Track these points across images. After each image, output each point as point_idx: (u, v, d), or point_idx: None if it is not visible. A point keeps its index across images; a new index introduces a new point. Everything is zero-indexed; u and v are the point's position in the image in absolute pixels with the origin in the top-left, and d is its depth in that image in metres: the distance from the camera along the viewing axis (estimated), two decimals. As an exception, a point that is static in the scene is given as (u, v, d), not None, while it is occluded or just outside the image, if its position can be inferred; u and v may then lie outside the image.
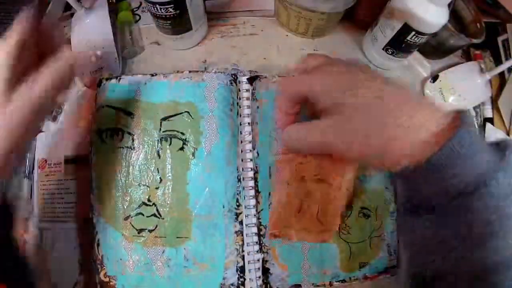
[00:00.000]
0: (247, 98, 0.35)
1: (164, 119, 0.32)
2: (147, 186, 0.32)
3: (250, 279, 0.31)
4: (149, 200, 0.31)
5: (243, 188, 0.33)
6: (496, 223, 0.17)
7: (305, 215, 0.32)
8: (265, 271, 0.31)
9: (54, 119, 0.40)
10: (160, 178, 0.32)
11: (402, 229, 0.24)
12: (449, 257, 0.19)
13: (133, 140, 0.32)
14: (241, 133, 0.34)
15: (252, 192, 0.33)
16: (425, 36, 0.33)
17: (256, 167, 0.33)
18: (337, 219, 0.32)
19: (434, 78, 0.40)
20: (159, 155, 0.32)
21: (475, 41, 0.37)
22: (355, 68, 0.23)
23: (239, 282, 0.31)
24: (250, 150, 0.34)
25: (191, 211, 0.31)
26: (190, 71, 0.34)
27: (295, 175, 0.32)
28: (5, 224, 0.33)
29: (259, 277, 0.31)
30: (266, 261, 0.31)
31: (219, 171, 0.32)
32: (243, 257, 0.31)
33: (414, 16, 0.31)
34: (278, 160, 0.33)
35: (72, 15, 0.40)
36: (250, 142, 0.34)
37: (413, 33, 0.33)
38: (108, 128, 0.33)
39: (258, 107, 0.34)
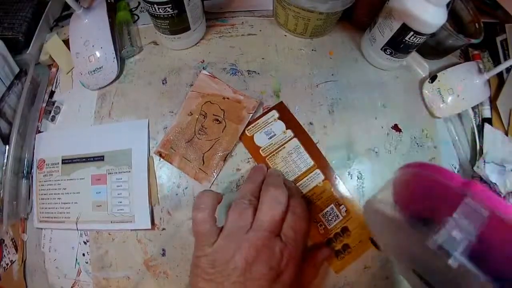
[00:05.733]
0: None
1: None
2: None
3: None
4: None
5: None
6: None
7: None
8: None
9: (53, 119, 0.40)
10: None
11: None
12: None
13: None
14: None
15: None
16: (424, 36, 0.33)
17: None
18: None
19: (433, 78, 0.40)
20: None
21: (473, 41, 0.37)
22: None
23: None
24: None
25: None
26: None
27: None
28: None
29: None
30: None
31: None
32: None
33: (413, 16, 0.31)
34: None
35: (70, 15, 0.40)
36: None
37: (412, 33, 0.33)
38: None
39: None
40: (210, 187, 0.34)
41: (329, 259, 0.33)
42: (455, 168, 0.38)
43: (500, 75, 0.42)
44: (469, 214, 0.15)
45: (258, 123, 0.36)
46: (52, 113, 0.40)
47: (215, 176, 0.34)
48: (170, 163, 0.35)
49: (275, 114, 0.36)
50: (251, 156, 0.35)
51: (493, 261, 0.15)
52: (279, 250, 0.26)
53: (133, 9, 0.44)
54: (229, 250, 0.25)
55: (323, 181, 0.34)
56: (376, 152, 0.36)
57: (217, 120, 0.35)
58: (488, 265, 0.14)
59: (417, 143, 0.37)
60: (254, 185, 0.30)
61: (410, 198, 0.20)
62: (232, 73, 0.38)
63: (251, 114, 0.35)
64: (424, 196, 0.19)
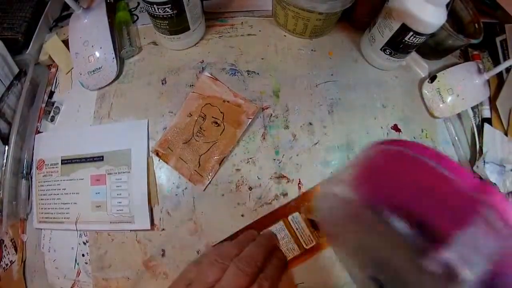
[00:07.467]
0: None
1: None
2: None
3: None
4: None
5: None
6: None
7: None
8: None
9: (52, 119, 0.40)
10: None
11: None
12: None
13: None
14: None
15: None
16: (423, 37, 0.33)
17: None
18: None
19: (432, 78, 0.40)
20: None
21: (473, 41, 0.37)
22: None
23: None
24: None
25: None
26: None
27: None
28: None
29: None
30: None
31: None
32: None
33: (412, 17, 0.31)
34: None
35: (70, 15, 0.40)
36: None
37: (411, 33, 0.33)
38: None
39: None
40: (204, 190, 0.34)
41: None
42: (454, 168, 0.38)
43: (499, 75, 0.42)
44: (488, 232, 0.12)
45: None
46: (52, 114, 0.40)
47: (210, 180, 0.34)
48: (167, 162, 0.35)
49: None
50: (251, 157, 0.35)
51: None
52: None
53: (133, 9, 0.44)
54: None
55: None
56: (376, 152, 0.36)
57: (216, 123, 0.35)
58: None
59: (417, 143, 0.37)
60: (235, 250, 0.28)
61: (389, 188, 0.15)
62: (232, 73, 0.38)
63: (250, 119, 0.35)
64: (414, 190, 0.14)
